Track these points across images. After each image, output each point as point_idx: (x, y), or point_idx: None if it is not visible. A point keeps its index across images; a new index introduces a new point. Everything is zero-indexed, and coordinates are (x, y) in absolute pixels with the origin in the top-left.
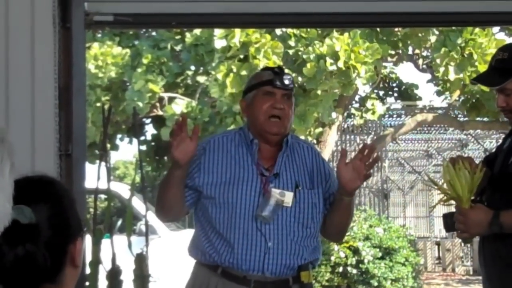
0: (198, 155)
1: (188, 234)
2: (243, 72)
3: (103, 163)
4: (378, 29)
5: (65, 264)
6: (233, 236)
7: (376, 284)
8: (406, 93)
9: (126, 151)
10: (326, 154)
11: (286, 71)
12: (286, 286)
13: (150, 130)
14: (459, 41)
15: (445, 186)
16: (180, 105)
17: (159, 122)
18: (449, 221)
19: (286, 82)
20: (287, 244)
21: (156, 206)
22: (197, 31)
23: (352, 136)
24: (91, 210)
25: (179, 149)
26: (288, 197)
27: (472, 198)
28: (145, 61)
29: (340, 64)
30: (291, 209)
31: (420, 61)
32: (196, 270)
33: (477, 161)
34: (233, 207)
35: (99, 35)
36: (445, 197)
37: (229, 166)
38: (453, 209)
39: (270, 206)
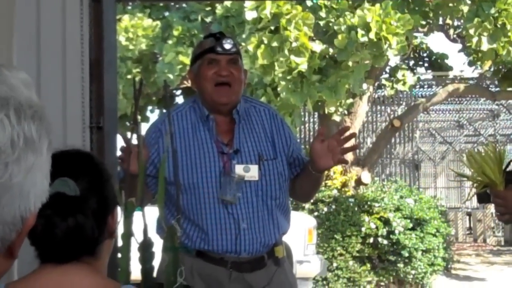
0: (155, 138)
1: None
2: (274, 44)
3: (134, 135)
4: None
5: (104, 236)
6: (204, 222)
7: (407, 255)
8: (437, 63)
9: None
10: (357, 125)
11: (228, 35)
12: (262, 263)
13: (180, 102)
14: (492, 11)
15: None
16: None
17: (189, 94)
18: (482, 193)
19: (227, 46)
20: (259, 221)
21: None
22: (228, 2)
23: (383, 107)
24: None
25: (133, 162)
26: (254, 171)
27: None
28: (175, 33)
29: (372, 35)
30: (257, 182)
31: (451, 31)
32: None
33: (509, 131)
34: (198, 191)
35: (129, 7)
36: (477, 185)
37: (188, 147)
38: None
39: (232, 187)
